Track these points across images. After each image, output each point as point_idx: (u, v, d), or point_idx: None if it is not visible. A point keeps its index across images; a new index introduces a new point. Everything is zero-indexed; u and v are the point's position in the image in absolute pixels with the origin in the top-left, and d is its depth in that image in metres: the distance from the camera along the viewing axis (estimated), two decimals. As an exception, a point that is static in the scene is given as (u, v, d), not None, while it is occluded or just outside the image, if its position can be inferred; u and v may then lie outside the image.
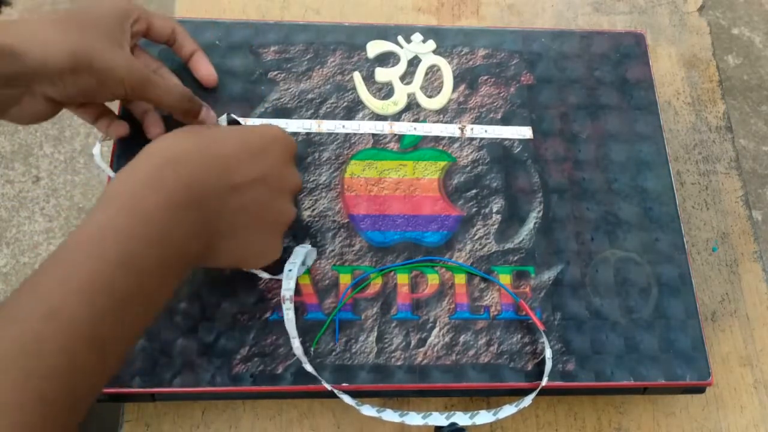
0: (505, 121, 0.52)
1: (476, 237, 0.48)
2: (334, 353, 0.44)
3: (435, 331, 0.45)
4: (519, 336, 0.45)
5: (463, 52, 0.54)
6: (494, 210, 0.49)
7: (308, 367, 0.42)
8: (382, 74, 0.53)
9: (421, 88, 0.53)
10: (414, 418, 0.42)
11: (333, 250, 0.47)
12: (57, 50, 0.38)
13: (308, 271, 0.46)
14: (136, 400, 0.44)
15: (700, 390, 0.46)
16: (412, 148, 0.51)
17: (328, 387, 0.42)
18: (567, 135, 0.52)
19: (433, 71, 0.53)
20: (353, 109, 0.51)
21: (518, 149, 0.51)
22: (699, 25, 0.64)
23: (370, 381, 0.43)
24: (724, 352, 0.52)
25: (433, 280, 0.47)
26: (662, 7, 0.65)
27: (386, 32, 0.54)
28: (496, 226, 0.49)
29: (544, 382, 0.43)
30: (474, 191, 0.50)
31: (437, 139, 0.51)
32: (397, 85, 0.53)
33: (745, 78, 1.53)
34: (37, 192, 1.31)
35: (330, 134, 0.50)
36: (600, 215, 0.49)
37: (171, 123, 0.46)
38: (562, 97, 0.53)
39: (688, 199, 0.57)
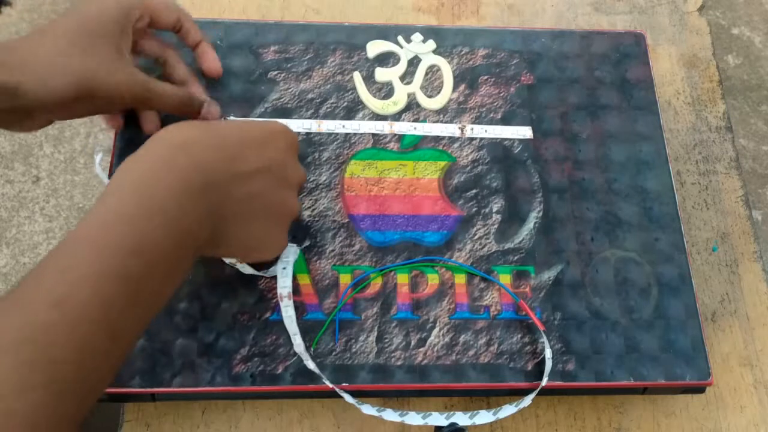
0: (505, 121, 0.52)
1: (476, 237, 0.48)
2: (334, 353, 0.44)
3: (435, 331, 0.45)
4: (519, 336, 0.45)
5: (463, 52, 0.54)
6: (494, 210, 0.49)
7: (310, 365, 0.42)
8: (382, 74, 0.53)
9: (421, 88, 0.53)
10: (414, 418, 0.42)
11: (333, 250, 0.47)
12: (60, 84, 0.39)
13: (308, 271, 0.46)
14: (136, 400, 0.44)
15: (700, 390, 0.46)
16: (412, 148, 0.51)
17: (330, 385, 0.42)
18: (567, 135, 0.52)
19: (433, 71, 0.53)
20: (353, 109, 0.51)
21: (518, 149, 0.51)
22: (699, 25, 0.64)
23: (370, 381, 0.43)
24: (724, 352, 0.52)
25: (433, 280, 0.47)
26: (662, 7, 0.65)
27: (386, 32, 0.54)
28: (496, 226, 0.49)
29: (544, 382, 0.43)
30: (474, 191, 0.50)
31: (437, 139, 0.51)
32: (397, 85, 0.53)
33: (745, 78, 1.53)
34: (37, 192, 1.31)
35: (330, 134, 0.50)
36: (600, 215, 0.49)
37: (171, 120, 0.46)
38: (562, 97, 0.53)
39: (688, 199, 0.57)
